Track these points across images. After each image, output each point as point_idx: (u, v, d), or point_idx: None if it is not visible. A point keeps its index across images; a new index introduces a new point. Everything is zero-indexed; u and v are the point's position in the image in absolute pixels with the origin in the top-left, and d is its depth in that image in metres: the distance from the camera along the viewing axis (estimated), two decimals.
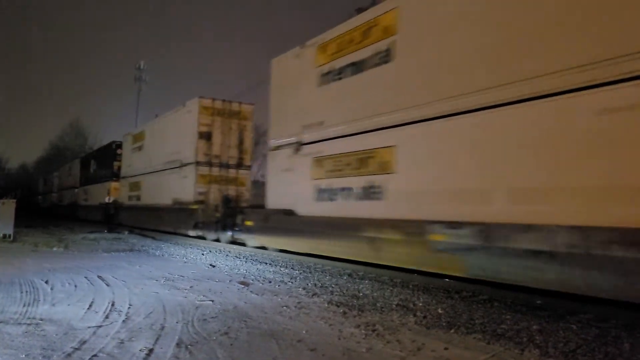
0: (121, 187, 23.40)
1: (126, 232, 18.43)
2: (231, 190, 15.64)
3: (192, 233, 14.96)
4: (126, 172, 22.69)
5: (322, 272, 8.37)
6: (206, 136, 15.46)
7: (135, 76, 49.91)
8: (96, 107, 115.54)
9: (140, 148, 21.13)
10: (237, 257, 10.63)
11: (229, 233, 13.34)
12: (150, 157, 19.42)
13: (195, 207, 14.88)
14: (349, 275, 8.04)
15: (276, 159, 10.63)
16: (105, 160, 26.60)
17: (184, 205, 15.69)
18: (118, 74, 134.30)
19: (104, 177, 26.43)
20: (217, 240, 13.81)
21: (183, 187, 15.92)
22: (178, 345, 3.79)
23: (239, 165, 16.15)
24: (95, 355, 3.52)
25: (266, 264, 9.42)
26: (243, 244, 12.43)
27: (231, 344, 3.86)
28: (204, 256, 10.58)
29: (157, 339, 3.92)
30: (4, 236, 13.10)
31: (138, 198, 20.70)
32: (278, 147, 10.55)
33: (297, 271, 8.39)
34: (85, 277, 6.96)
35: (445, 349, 3.94)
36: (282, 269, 8.71)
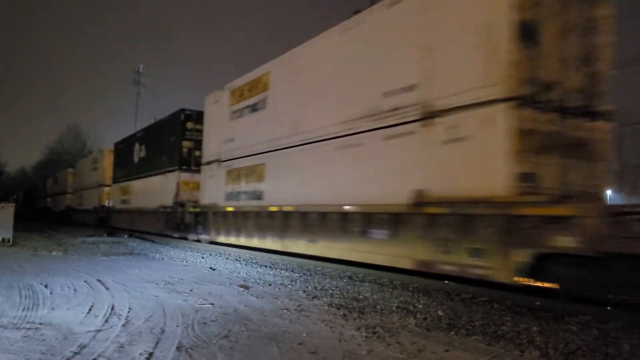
0: (208, 179, 14.93)
1: (125, 236, 18.42)
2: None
3: None
4: (221, 153, 14.14)
5: (322, 274, 8.37)
6: None
7: (134, 80, 49.96)
8: (95, 111, 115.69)
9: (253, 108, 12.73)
10: (237, 260, 10.62)
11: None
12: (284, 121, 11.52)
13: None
14: (349, 277, 8.03)
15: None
16: (164, 141, 18.86)
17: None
18: (117, 77, 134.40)
19: (162, 167, 18.61)
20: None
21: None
22: (178, 349, 3.78)
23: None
24: None
25: (266, 266, 9.42)
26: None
27: (231, 348, 3.86)
28: (203, 259, 10.57)
29: (157, 343, 3.91)
30: (3, 240, 13.09)
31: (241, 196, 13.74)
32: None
33: (297, 274, 8.38)
34: (85, 281, 6.95)
35: (446, 350, 3.94)
36: (282, 271, 8.71)
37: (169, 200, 17.31)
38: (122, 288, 6.46)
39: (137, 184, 21.96)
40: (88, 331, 4.22)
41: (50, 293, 6.01)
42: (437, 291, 6.71)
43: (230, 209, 13.08)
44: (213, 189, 14.18)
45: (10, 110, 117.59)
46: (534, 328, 4.68)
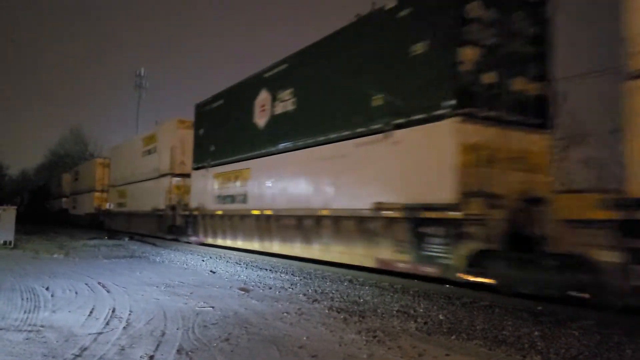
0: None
1: (126, 239, 18.42)
2: None
3: None
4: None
5: (322, 278, 8.36)
6: None
7: (136, 83, 50.06)
8: (96, 114, 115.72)
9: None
10: (237, 263, 10.62)
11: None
12: None
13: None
14: (350, 281, 8.03)
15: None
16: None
17: None
18: (118, 81, 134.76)
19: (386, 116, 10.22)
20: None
21: None
22: (179, 351, 3.78)
23: None
24: None
25: (266, 270, 9.41)
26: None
27: (232, 351, 3.86)
28: (204, 262, 10.57)
29: (158, 346, 3.92)
30: (5, 243, 13.10)
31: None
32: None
33: (297, 277, 8.38)
34: (86, 284, 6.95)
35: (447, 355, 3.94)
36: (282, 275, 8.71)
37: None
38: (123, 291, 6.46)
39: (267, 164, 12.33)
40: (89, 334, 4.22)
41: (52, 296, 6.02)
42: (438, 295, 6.71)
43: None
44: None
45: (12, 113, 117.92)
46: (536, 333, 4.67)
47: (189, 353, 3.75)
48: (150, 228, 19.30)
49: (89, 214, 29.93)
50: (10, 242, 13.14)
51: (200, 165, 15.08)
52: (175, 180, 17.49)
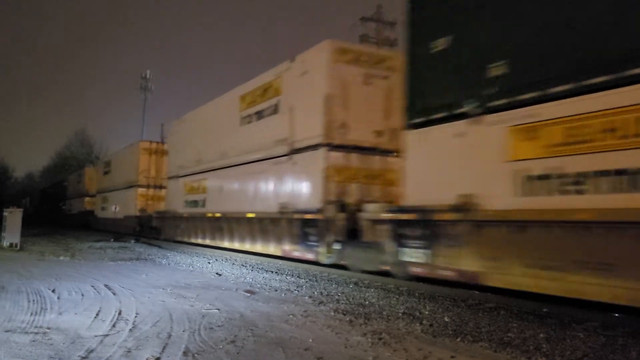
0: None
1: (132, 241, 18.49)
2: None
3: None
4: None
5: (328, 280, 8.37)
6: None
7: (141, 85, 50.17)
8: (102, 116, 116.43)
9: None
10: (243, 265, 10.65)
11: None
12: None
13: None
14: (355, 283, 8.03)
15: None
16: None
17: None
18: (124, 83, 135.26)
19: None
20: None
21: None
22: (185, 354, 3.79)
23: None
24: None
25: (272, 272, 9.43)
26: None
27: (238, 353, 3.87)
28: (210, 265, 10.60)
29: (164, 348, 3.93)
30: (11, 245, 13.17)
31: None
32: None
33: (303, 279, 8.39)
34: (92, 286, 6.99)
35: (452, 357, 3.93)
36: (288, 277, 8.72)
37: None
38: (129, 293, 6.49)
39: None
40: (95, 336, 4.24)
41: (58, 298, 6.05)
42: (444, 297, 6.70)
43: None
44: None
45: (18, 116, 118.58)
46: (541, 335, 4.66)
47: (195, 355, 3.76)
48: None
49: (130, 217, 22.92)
50: (16, 244, 13.21)
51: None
52: (335, 156, 9.68)
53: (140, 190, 22.62)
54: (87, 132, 68.09)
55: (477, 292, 6.66)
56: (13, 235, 13.35)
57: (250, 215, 12.12)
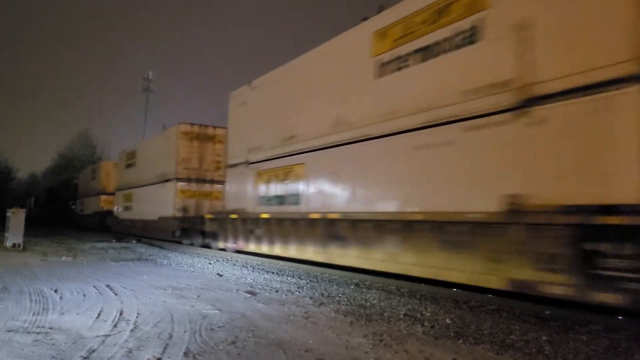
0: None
1: (134, 242, 18.51)
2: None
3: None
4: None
5: (329, 281, 8.36)
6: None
7: (144, 86, 50.28)
8: (104, 118, 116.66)
9: None
10: (244, 266, 10.64)
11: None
12: None
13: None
14: (356, 284, 8.02)
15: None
16: None
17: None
18: (126, 84, 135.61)
19: None
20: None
21: None
22: (186, 354, 3.80)
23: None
24: None
25: (273, 273, 9.42)
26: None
27: (238, 354, 3.87)
28: (211, 265, 10.60)
29: (165, 348, 3.93)
30: (14, 245, 13.21)
31: None
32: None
33: (304, 280, 8.38)
34: (94, 287, 6.99)
35: (454, 359, 3.92)
36: (289, 278, 8.71)
37: None
38: (131, 293, 6.49)
39: None
40: (97, 336, 4.25)
41: (60, 298, 6.06)
42: (445, 299, 6.68)
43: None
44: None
45: (21, 117, 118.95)
46: (543, 337, 4.64)
47: (196, 356, 3.76)
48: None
49: (166, 219, 18.35)
50: (19, 245, 13.25)
51: None
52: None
53: (180, 184, 17.85)
54: (89, 133, 68.25)
55: (479, 294, 6.64)
56: (16, 235, 13.39)
57: (418, 216, 7.42)
